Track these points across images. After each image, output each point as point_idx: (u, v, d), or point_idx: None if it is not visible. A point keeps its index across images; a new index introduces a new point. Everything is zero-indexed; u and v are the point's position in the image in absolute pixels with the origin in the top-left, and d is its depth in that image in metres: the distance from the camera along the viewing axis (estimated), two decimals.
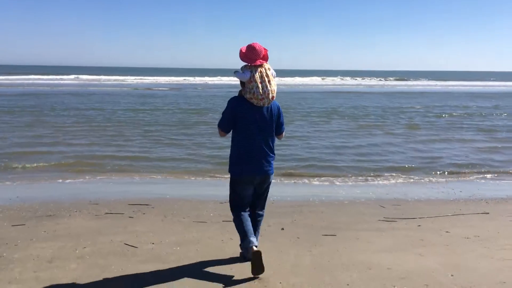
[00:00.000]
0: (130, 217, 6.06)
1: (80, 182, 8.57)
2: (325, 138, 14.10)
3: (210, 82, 60.18)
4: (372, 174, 9.45)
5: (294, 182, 8.79)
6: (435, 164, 10.49)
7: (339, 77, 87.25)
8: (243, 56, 3.97)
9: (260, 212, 4.34)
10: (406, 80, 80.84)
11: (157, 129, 15.48)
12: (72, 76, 65.08)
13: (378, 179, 9.14)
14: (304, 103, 27.89)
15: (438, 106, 26.68)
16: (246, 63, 3.96)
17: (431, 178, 9.24)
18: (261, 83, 3.87)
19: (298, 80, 70.21)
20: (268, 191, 4.30)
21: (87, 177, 8.99)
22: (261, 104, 3.90)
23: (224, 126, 4.03)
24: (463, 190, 8.15)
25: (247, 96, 3.91)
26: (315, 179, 9.00)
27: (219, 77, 72.24)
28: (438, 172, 9.72)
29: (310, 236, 5.24)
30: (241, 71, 3.96)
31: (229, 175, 4.18)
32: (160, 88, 43.96)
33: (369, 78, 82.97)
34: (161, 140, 13.33)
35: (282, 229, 5.54)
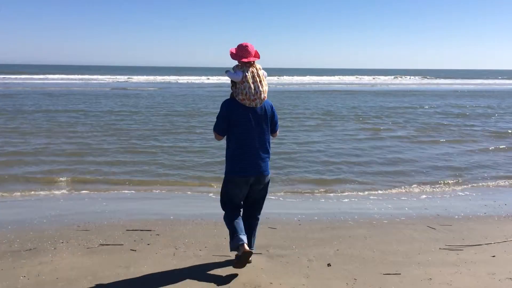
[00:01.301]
0: (132, 249, 4.83)
1: (62, 198, 7.26)
2: (340, 143, 13.04)
3: (196, 81, 58.56)
4: (397, 185, 8.40)
5: (312, 195, 7.69)
6: (462, 172, 9.48)
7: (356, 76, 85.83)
8: (234, 55, 4.00)
9: (258, 216, 4.34)
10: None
11: (145, 134, 14.13)
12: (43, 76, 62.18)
13: (405, 189, 8.09)
14: (312, 102, 26.84)
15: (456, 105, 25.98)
16: (238, 63, 3.99)
17: (463, 188, 8.24)
18: (253, 83, 3.91)
19: (315, 78, 69.69)
20: (266, 194, 4.28)
21: (69, 191, 7.68)
22: (253, 105, 3.92)
23: (219, 129, 4.04)
24: (507, 202, 7.17)
25: (239, 97, 3.92)
26: (337, 192, 7.90)
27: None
28: (470, 183, 8.67)
29: (368, 275, 4.13)
30: (232, 71, 3.96)
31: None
32: (144, 88, 42.21)
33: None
34: (152, 147, 12.02)
35: (329, 265, 4.41)
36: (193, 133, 14.28)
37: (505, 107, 25.56)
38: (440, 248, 4.91)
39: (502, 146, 12.47)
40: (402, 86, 52.65)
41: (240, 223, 4.12)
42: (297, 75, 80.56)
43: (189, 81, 58.82)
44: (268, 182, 4.20)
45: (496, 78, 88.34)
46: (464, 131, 15.32)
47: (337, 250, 4.84)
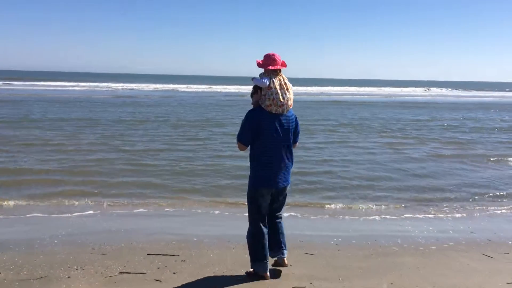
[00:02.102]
0: (156, 280, 4.24)
1: (72, 217, 6.67)
2: (354, 158, 12.44)
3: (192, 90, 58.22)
4: (429, 204, 7.80)
5: (342, 215, 7.08)
6: (496, 191, 8.86)
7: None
8: (261, 65, 4.05)
9: (279, 215, 4.31)
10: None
11: (150, 147, 13.58)
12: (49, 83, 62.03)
13: (439, 209, 7.49)
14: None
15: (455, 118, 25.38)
16: (265, 71, 4.03)
17: (505, 208, 7.62)
18: (280, 89, 3.94)
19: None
20: (285, 201, 4.31)
21: (79, 208, 7.11)
22: (280, 111, 3.93)
23: (245, 139, 3.98)
24: None
25: (266, 103, 3.92)
26: (366, 210, 7.32)
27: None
28: (509, 203, 8.05)
29: None
30: (259, 78, 3.99)
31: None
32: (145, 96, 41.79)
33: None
34: (165, 161, 11.45)
35: None
36: (210, 148, 13.72)
37: None
38: (507, 283, 4.30)
39: None
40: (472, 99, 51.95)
41: (266, 244, 4.14)
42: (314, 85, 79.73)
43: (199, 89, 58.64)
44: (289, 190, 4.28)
45: None
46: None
47: (391, 284, 4.23)
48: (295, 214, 6.95)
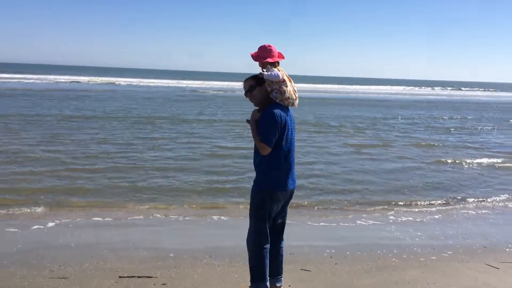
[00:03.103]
0: None
1: (25, 230, 5.75)
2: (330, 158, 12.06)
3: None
4: (405, 205, 7.52)
5: (326, 217, 6.61)
6: (462, 191, 8.75)
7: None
8: (256, 57, 3.64)
9: (283, 240, 3.83)
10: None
11: (117, 149, 12.55)
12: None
13: (418, 210, 7.22)
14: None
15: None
16: (261, 64, 3.61)
17: (478, 209, 7.47)
18: (290, 81, 3.63)
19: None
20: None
21: (28, 220, 6.20)
22: (296, 104, 3.65)
23: (272, 140, 3.47)
24: None
25: (284, 96, 3.55)
26: (344, 215, 6.89)
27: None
28: (482, 203, 7.92)
29: None
30: (268, 72, 3.52)
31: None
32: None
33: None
34: (131, 160, 10.52)
35: None
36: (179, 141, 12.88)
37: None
38: None
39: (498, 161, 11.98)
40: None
41: (268, 263, 3.67)
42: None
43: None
44: None
45: None
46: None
47: None
48: None
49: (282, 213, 3.77)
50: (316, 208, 7.14)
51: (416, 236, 5.91)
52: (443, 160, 11.52)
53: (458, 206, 7.56)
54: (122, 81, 57.97)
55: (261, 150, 3.47)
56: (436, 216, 6.97)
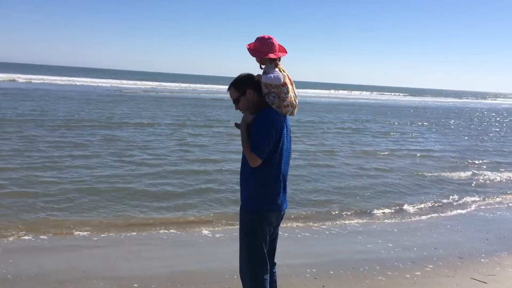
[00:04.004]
0: None
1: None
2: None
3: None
4: (364, 214, 7.33)
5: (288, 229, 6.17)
6: (399, 194, 8.79)
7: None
8: (255, 52, 2.99)
9: (275, 265, 3.31)
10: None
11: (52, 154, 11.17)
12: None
13: (368, 219, 7.04)
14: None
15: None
16: (259, 60, 3.02)
17: (435, 217, 7.47)
18: (291, 85, 3.04)
19: None
20: None
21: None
22: (294, 112, 3.07)
23: (264, 151, 2.91)
24: (495, 228, 6.50)
25: (283, 103, 2.97)
26: (309, 227, 6.52)
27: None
28: (434, 211, 7.94)
29: None
30: (269, 73, 2.94)
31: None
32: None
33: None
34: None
35: None
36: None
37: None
38: None
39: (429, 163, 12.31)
40: None
41: None
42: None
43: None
44: None
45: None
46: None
47: None
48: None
49: (273, 236, 3.23)
50: None
51: (388, 248, 5.66)
52: (381, 167, 11.50)
53: (412, 212, 7.48)
54: (24, 78, 51.98)
55: (251, 161, 2.92)
56: (396, 225, 6.80)
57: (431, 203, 8.10)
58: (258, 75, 2.99)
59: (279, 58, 3.04)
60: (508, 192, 9.24)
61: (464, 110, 46.21)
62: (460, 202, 8.26)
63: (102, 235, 5.60)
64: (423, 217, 7.25)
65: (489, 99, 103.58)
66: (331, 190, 8.55)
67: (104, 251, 5.09)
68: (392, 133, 19.03)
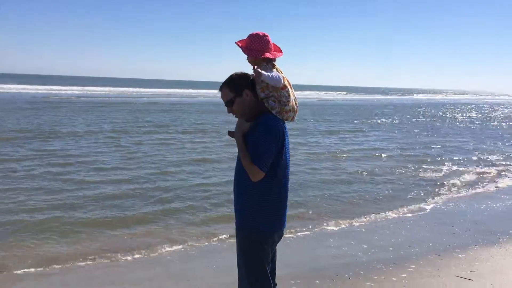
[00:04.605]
0: None
1: None
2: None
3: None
4: (320, 216, 7.16)
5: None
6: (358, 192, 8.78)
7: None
8: (250, 50, 2.65)
9: (276, 285, 2.89)
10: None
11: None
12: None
13: (335, 221, 6.83)
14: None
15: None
16: (253, 60, 2.66)
17: (396, 213, 7.45)
18: (290, 87, 2.71)
19: None
20: None
21: None
22: (295, 117, 2.74)
23: (267, 162, 2.56)
24: (457, 221, 6.56)
25: (285, 108, 2.64)
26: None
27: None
28: (397, 207, 7.95)
29: None
30: (268, 74, 2.57)
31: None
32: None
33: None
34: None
35: None
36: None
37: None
38: None
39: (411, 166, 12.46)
40: None
41: None
42: None
43: None
44: None
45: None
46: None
47: None
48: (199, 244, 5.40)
49: (272, 255, 2.88)
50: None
51: (364, 249, 5.49)
52: (333, 167, 11.47)
53: (374, 211, 7.39)
54: None
55: (252, 175, 2.57)
56: (363, 225, 6.64)
57: (389, 200, 8.10)
58: (257, 70, 2.58)
59: (275, 59, 2.71)
60: (462, 184, 9.46)
61: (397, 105, 48.18)
62: (417, 197, 8.33)
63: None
64: (388, 215, 7.18)
65: (416, 95, 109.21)
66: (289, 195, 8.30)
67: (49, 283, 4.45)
68: (340, 132, 19.05)
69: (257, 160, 2.53)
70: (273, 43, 2.73)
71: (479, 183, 9.65)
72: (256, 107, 2.65)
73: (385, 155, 13.10)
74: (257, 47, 2.65)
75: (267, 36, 2.68)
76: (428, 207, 7.64)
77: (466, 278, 4.53)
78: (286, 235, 5.94)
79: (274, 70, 2.65)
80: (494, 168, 11.41)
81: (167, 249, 5.43)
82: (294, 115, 2.71)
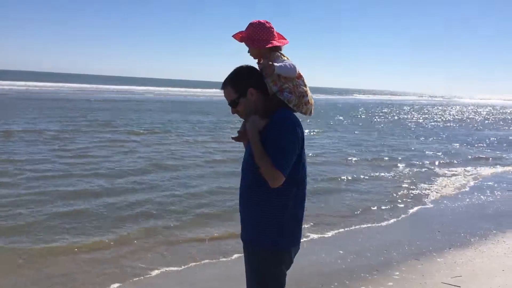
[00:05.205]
0: None
1: None
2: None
3: None
4: None
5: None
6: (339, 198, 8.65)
7: None
8: (255, 41, 2.34)
9: None
10: None
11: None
12: None
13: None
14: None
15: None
16: (257, 52, 2.37)
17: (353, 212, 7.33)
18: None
19: None
20: None
21: None
22: (312, 112, 2.41)
23: (289, 165, 2.22)
24: (432, 222, 6.54)
25: (298, 101, 2.31)
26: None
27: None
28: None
29: None
30: (281, 64, 2.27)
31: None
32: None
33: None
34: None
35: None
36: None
37: None
38: None
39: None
40: None
41: None
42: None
43: None
44: None
45: None
46: None
47: None
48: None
49: None
50: (206, 240, 5.76)
51: (342, 255, 5.31)
52: None
53: (339, 214, 7.16)
54: None
55: (272, 180, 2.20)
56: (332, 228, 6.41)
57: (355, 206, 7.83)
58: (267, 63, 2.27)
59: (281, 48, 2.43)
60: (423, 187, 9.47)
61: (337, 105, 49.12)
62: (381, 201, 8.24)
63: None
64: (354, 221, 6.88)
65: (355, 94, 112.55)
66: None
67: None
68: None
69: (279, 163, 2.18)
70: (277, 32, 2.44)
71: (439, 184, 9.64)
72: (266, 105, 2.32)
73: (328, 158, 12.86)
74: (261, 37, 2.36)
75: (269, 23, 2.41)
76: (396, 211, 7.42)
77: (453, 285, 4.42)
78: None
79: (285, 58, 2.36)
80: (448, 169, 11.64)
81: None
82: (312, 107, 2.40)
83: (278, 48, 2.40)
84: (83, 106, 26.67)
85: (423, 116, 36.91)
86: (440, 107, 59.34)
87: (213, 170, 9.93)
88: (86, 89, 53.94)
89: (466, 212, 7.54)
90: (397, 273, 4.76)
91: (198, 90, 71.52)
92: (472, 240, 6.00)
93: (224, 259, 5.11)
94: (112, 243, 5.41)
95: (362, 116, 32.65)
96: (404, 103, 68.23)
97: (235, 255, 5.11)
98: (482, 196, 8.64)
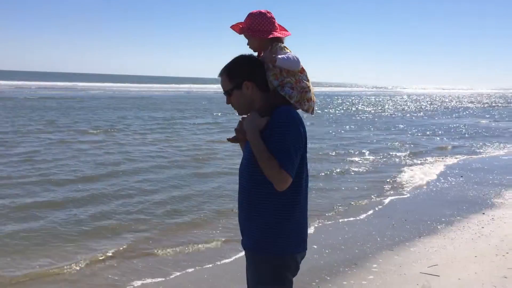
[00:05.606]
0: None
1: None
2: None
3: None
4: None
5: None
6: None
7: None
8: (253, 28, 2.21)
9: None
10: None
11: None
12: None
13: None
14: None
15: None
16: (258, 43, 2.24)
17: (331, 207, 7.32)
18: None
19: None
20: None
21: None
22: (314, 111, 2.28)
23: (295, 165, 2.09)
24: (394, 214, 6.63)
25: (301, 97, 2.17)
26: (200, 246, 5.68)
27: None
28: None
29: None
30: (283, 56, 2.13)
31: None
32: None
33: None
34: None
35: None
36: None
37: None
38: None
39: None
40: None
41: None
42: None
43: None
44: None
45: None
46: None
47: None
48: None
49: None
50: (178, 249, 5.32)
51: (317, 250, 5.22)
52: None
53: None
54: None
55: (279, 183, 2.04)
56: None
57: (320, 198, 7.80)
58: (269, 56, 2.15)
59: (283, 40, 2.29)
60: (389, 175, 9.62)
61: None
62: (345, 191, 8.30)
63: None
64: (321, 213, 6.84)
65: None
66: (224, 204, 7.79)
67: None
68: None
69: (285, 164, 2.03)
70: (278, 24, 2.30)
71: (404, 175, 9.73)
72: (265, 101, 2.17)
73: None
74: (262, 27, 2.22)
75: (270, 13, 2.26)
76: (364, 204, 7.37)
77: (432, 274, 4.45)
78: (226, 246, 5.41)
79: (288, 51, 2.21)
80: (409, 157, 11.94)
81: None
82: (314, 105, 2.26)
83: (279, 40, 2.26)
84: (27, 104, 25.19)
85: (374, 108, 37.77)
86: (387, 97, 61.27)
87: (176, 173, 9.62)
88: (24, 87, 51.12)
89: (429, 200, 7.71)
90: (375, 265, 4.75)
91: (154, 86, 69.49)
92: (439, 227, 6.12)
93: (208, 265, 4.84)
94: (81, 261, 4.81)
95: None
96: (352, 95, 69.94)
97: (218, 262, 4.91)
98: (445, 184, 8.86)
